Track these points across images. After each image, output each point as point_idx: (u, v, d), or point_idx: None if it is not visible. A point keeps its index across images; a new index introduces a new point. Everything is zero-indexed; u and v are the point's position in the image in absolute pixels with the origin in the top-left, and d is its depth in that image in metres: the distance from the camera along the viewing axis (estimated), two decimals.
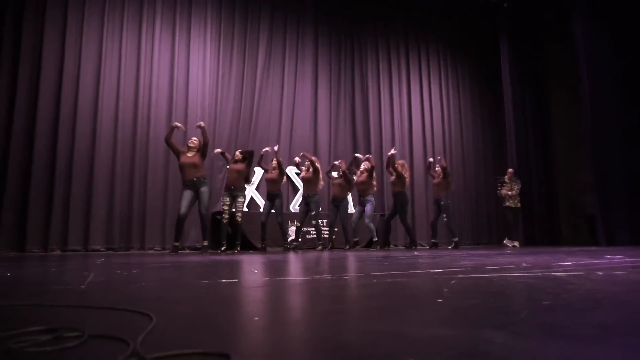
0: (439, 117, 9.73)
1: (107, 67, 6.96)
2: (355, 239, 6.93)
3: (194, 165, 5.70)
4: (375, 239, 6.94)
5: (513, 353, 0.81)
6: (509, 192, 7.89)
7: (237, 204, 6.14)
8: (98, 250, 6.48)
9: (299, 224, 6.74)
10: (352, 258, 4.20)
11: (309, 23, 8.87)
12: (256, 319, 1.18)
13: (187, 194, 5.65)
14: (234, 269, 2.94)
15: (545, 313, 1.20)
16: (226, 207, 6.14)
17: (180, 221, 5.67)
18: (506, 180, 8.03)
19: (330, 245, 6.96)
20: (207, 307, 1.39)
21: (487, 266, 2.85)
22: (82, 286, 1.94)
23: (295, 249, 6.58)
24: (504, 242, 8.06)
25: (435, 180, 7.47)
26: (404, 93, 9.51)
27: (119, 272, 2.69)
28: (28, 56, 6.43)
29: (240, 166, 6.21)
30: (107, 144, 6.82)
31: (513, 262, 3.18)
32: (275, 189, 6.61)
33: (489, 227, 9.76)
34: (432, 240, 7.39)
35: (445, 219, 7.30)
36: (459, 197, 9.53)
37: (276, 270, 2.88)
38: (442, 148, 9.58)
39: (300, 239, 6.76)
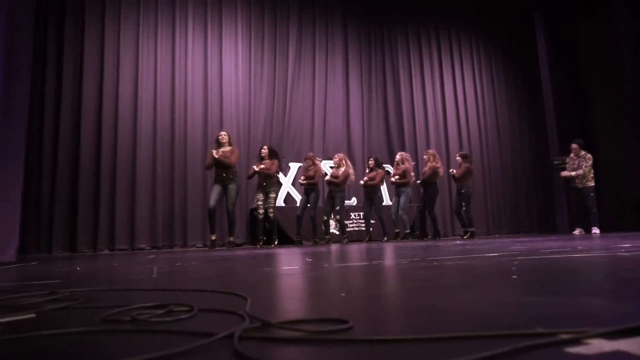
0: (474, 105, 9.56)
1: (144, 70, 7.14)
2: (397, 230, 6.95)
3: (229, 159, 5.85)
4: (408, 230, 6.91)
5: (622, 313, 0.82)
6: (574, 172, 6.84)
7: (269, 200, 6.26)
8: (143, 249, 6.67)
9: (325, 218, 6.76)
10: (396, 247, 4.20)
11: (337, 17, 8.87)
12: (343, 294, 1.21)
13: (216, 188, 5.87)
14: (286, 259, 3.00)
15: (634, 284, 1.19)
16: (260, 203, 6.29)
17: (210, 214, 5.86)
18: (572, 157, 6.97)
19: (367, 237, 6.98)
20: (287, 289, 1.43)
21: (542, 249, 2.82)
22: (153, 275, 2.03)
23: (327, 241, 6.64)
24: (574, 232, 6.94)
25: (457, 174, 7.31)
26: (437, 82, 9.39)
27: (178, 264, 2.78)
28: (70, 63, 6.66)
29: (267, 164, 6.31)
30: (147, 145, 7.00)
31: (567, 246, 3.12)
32: (311, 184, 6.68)
33: (528, 215, 9.54)
34: (464, 229, 7.27)
35: (463, 208, 7.17)
36: (497, 186, 9.36)
37: (329, 258, 2.92)
38: (478, 137, 9.41)
39: (328, 235, 6.76)
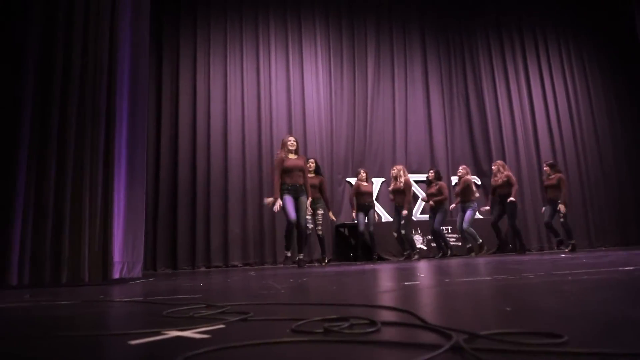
0: (566, 110, 8.98)
1: (232, 94, 7.54)
2: (468, 246, 6.63)
3: (300, 169, 5.33)
4: (480, 241, 6.49)
5: None
6: None
7: (317, 218, 6.12)
8: (236, 266, 6.94)
9: (395, 234, 6.52)
10: (493, 262, 4.01)
11: (414, 27, 8.81)
12: (508, 309, 1.18)
13: (292, 202, 5.23)
14: (393, 275, 2.98)
15: None
16: (309, 219, 6.12)
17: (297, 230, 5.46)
18: None
19: (448, 252, 6.61)
20: (437, 302, 1.42)
21: None
22: (282, 291, 2.10)
23: (377, 259, 6.41)
24: None
25: (550, 182, 6.79)
26: (523, 88, 8.96)
27: (291, 280, 2.85)
28: (167, 91, 7.25)
29: (315, 180, 6.03)
30: (237, 165, 7.35)
31: None
32: (370, 201, 6.57)
33: (639, 226, 8.71)
34: (558, 239, 6.73)
35: (561, 220, 6.63)
36: (599, 196, 8.65)
37: (441, 273, 2.86)
38: (573, 144, 8.80)
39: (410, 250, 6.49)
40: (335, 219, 6.61)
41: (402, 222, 6.42)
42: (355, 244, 6.74)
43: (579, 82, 9.18)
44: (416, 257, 6.41)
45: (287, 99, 7.85)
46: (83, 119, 2.82)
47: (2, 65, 2.82)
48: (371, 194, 6.70)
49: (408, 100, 8.53)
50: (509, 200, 6.50)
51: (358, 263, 6.24)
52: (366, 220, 6.52)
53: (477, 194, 6.86)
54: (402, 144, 8.34)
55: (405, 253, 6.49)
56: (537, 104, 8.87)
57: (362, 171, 6.76)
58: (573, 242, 6.68)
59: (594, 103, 9.15)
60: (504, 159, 8.32)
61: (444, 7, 8.96)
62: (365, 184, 6.68)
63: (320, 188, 6.12)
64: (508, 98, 8.83)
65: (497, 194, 6.75)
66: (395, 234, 6.53)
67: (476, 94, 8.80)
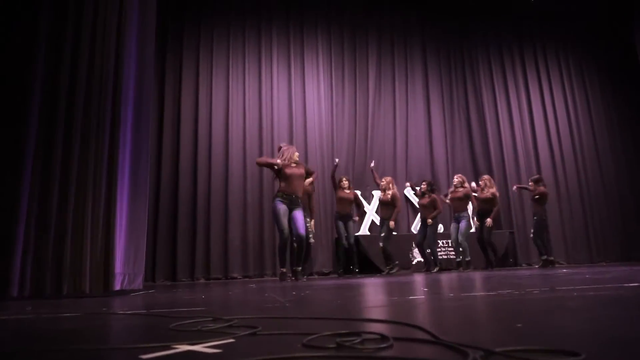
0: (565, 121, 8.98)
1: (234, 107, 7.56)
2: (458, 259, 6.53)
3: (302, 178, 5.10)
4: (468, 258, 6.36)
5: None
6: None
7: (309, 227, 5.98)
8: (236, 278, 6.90)
9: (381, 244, 6.41)
10: (492, 276, 4.00)
11: (416, 41, 8.88)
12: (519, 325, 1.17)
13: (286, 213, 4.90)
14: (397, 288, 2.96)
15: None
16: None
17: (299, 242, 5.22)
18: None
19: (435, 267, 6.49)
20: (445, 318, 1.41)
21: None
22: (286, 304, 2.08)
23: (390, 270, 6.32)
24: None
25: (534, 195, 6.83)
26: (523, 100, 9.00)
27: (294, 293, 2.84)
28: (170, 101, 7.27)
29: (309, 187, 5.84)
30: (238, 177, 7.35)
31: None
32: (347, 211, 6.49)
33: None
34: (544, 258, 6.67)
35: (531, 235, 6.64)
36: (600, 210, 8.62)
37: (442, 287, 2.85)
38: (573, 155, 8.82)
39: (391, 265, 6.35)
40: (314, 231, 6.46)
41: (383, 234, 6.32)
42: (338, 255, 6.67)
43: (578, 95, 9.23)
44: (395, 269, 6.30)
45: (289, 110, 7.88)
46: (88, 126, 2.82)
47: (10, 71, 2.83)
48: (351, 202, 6.56)
49: (409, 113, 8.57)
50: (487, 225, 6.53)
51: (358, 276, 6.19)
52: (346, 232, 6.45)
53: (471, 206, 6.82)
54: (402, 156, 8.36)
55: (387, 267, 6.34)
56: (537, 118, 8.91)
57: (344, 178, 6.67)
58: (545, 257, 6.66)
59: (594, 116, 9.18)
60: (504, 173, 8.36)
61: (445, 21, 9.05)
62: (347, 191, 6.60)
63: (310, 196, 6.07)
64: (508, 112, 8.88)
65: (478, 208, 6.73)
66: (381, 244, 6.43)
67: (477, 108, 8.85)
